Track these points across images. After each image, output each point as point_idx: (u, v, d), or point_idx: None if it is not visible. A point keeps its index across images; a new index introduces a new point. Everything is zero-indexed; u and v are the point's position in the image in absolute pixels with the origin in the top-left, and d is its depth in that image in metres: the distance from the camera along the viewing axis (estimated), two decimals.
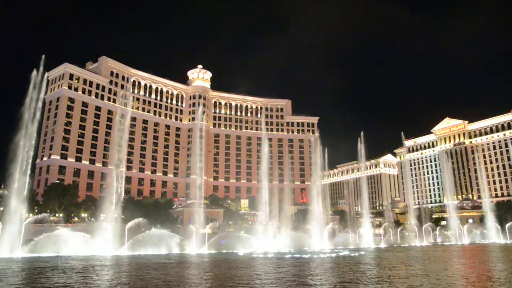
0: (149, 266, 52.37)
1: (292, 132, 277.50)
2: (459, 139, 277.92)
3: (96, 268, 50.01)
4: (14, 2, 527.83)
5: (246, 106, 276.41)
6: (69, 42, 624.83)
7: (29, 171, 78.66)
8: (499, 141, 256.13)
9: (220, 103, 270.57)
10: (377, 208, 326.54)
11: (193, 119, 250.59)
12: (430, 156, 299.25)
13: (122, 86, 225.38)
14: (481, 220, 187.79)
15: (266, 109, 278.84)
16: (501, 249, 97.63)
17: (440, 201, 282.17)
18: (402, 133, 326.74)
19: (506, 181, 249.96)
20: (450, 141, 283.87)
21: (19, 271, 45.38)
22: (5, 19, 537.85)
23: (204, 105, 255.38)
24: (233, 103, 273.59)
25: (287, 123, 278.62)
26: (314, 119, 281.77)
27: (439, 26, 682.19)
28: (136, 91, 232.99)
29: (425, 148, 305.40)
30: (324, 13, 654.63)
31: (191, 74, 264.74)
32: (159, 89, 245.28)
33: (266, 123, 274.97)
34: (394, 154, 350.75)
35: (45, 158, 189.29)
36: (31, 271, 45.40)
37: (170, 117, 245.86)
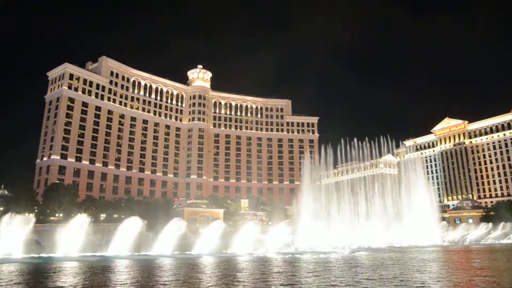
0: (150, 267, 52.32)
1: (292, 132, 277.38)
2: (459, 139, 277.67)
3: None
4: (14, 1, 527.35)
5: (246, 106, 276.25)
6: (69, 42, 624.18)
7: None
8: (499, 141, 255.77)
9: (220, 103, 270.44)
10: None
11: (193, 119, 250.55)
12: (430, 156, 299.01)
13: (122, 86, 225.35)
14: (481, 220, 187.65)
15: (266, 109, 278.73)
16: (502, 249, 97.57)
17: (440, 201, 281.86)
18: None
19: (506, 181, 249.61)
20: (450, 141, 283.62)
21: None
22: (5, 18, 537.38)
23: (204, 105, 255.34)
24: (233, 103, 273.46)
25: (287, 123, 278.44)
26: (314, 119, 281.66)
27: (440, 26, 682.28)
28: (136, 91, 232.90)
29: (425, 148, 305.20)
30: (324, 14, 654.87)
31: (191, 74, 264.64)
32: (159, 89, 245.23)
33: (266, 123, 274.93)
34: (394, 154, 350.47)
35: (45, 158, 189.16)
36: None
37: (170, 117, 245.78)
